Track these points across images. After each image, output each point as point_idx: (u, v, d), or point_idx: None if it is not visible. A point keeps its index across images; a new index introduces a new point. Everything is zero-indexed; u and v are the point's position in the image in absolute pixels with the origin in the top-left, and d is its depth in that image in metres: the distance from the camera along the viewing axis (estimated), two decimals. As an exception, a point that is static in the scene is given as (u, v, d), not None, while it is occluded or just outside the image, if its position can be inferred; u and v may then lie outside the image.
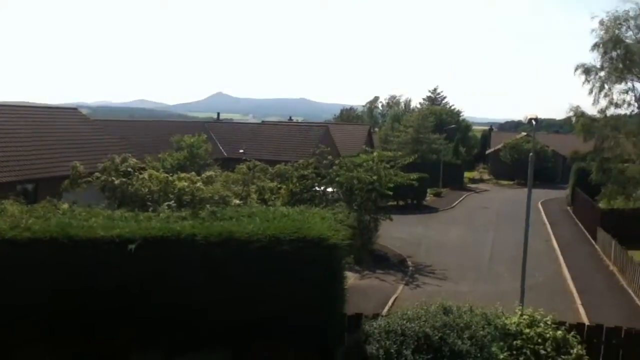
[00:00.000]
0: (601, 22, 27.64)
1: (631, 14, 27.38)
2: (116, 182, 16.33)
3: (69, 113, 33.53)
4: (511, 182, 59.19)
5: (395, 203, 35.27)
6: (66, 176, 18.62)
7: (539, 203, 42.21)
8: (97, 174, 17.03)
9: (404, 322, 8.69)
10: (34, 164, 24.88)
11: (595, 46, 27.93)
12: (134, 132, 38.53)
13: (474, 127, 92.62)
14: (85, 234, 8.33)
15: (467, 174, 59.85)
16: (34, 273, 8.18)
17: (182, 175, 17.13)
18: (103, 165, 17.49)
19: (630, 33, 27.54)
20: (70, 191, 17.45)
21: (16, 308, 8.18)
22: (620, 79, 27.98)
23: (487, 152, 72.32)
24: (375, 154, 25.46)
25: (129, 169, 17.17)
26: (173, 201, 14.96)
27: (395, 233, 26.53)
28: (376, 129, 79.83)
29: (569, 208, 41.40)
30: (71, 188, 17.57)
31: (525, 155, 48.48)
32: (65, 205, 10.37)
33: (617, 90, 28.45)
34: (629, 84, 28.38)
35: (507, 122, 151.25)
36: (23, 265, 8.17)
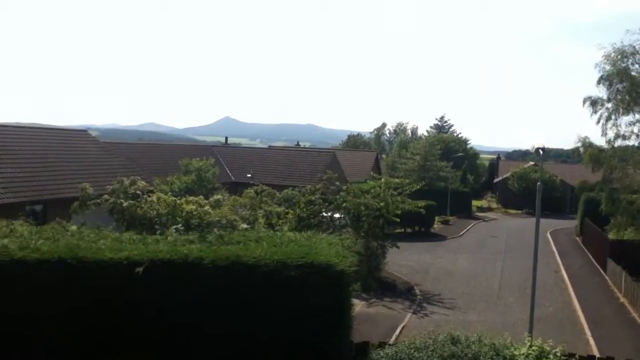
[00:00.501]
0: (607, 56, 27.81)
1: (637, 47, 27.54)
2: (125, 204, 16.40)
3: (78, 135, 33.87)
4: (519, 211, 58.83)
5: (402, 230, 35.13)
6: (75, 198, 18.71)
7: (548, 233, 41.89)
8: (105, 196, 17.11)
9: (412, 351, 8.58)
10: (43, 186, 25.04)
11: (602, 79, 28.11)
12: (143, 155, 38.80)
13: (482, 156, 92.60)
14: (94, 256, 8.35)
15: (475, 202, 59.60)
16: (42, 294, 8.17)
17: (190, 198, 17.17)
18: (112, 187, 17.58)
19: (636, 66, 27.69)
20: (79, 213, 17.51)
21: (24, 328, 8.16)
22: (627, 110, 28.02)
23: (495, 180, 72.12)
24: (382, 180, 25.46)
25: (138, 192, 17.24)
26: (181, 224, 14.96)
27: (403, 260, 26.35)
28: (383, 156, 79.99)
29: (578, 238, 41.04)
30: (80, 210, 17.64)
31: (534, 184, 48.37)
32: (74, 227, 10.40)
33: (625, 122, 28.46)
34: (636, 116, 28.42)
35: (514, 151, 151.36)
36: (32, 286, 8.17)
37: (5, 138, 27.11)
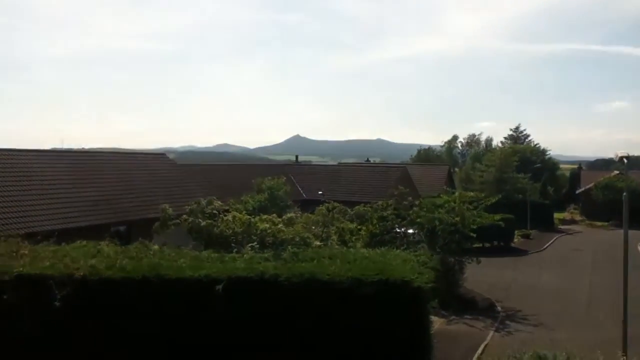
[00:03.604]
0: None
1: None
2: (202, 224, 16.92)
3: (157, 158, 35.44)
4: (606, 224, 55.55)
5: (480, 245, 34.01)
6: (156, 218, 19.50)
7: (638, 246, 39.24)
8: (184, 216, 17.73)
9: (496, 371, 8.21)
10: (127, 207, 26.32)
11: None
12: (218, 175, 40.01)
13: (562, 166, 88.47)
14: (175, 274, 8.62)
15: (557, 215, 56.89)
16: (127, 310, 8.51)
17: (264, 217, 17.49)
18: (190, 208, 18.20)
19: None
20: (160, 233, 18.21)
21: (110, 343, 8.52)
22: None
23: (578, 191, 68.58)
24: (456, 194, 24.84)
25: (214, 211, 17.76)
26: (256, 242, 15.24)
27: (483, 276, 25.47)
28: (456, 169, 78.23)
29: (672, 251, 38.14)
30: (161, 230, 18.35)
31: (620, 194, 45.51)
32: (156, 247, 10.80)
33: None
34: None
35: (597, 160, 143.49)
36: (117, 303, 8.54)
37: (91, 163, 28.83)
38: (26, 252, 9.50)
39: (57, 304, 8.16)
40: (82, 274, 8.58)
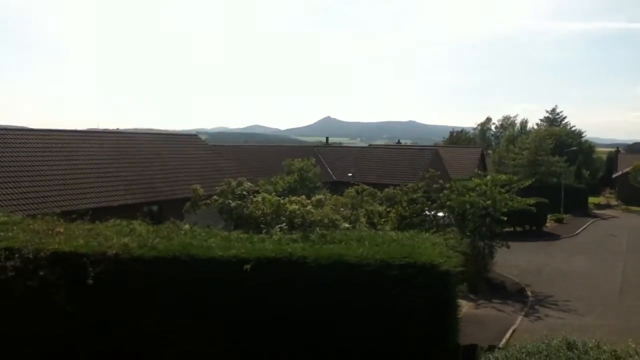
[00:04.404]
0: None
1: None
2: (232, 204, 17.05)
3: (189, 139, 35.90)
4: (642, 208, 54.09)
5: (512, 229, 33.52)
6: (187, 198, 19.75)
7: (677, 231, 38.13)
8: (215, 196, 17.91)
9: (524, 356, 8.12)
10: (159, 187, 26.80)
11: None
12: (248, 156, 40.33)
13: (598, 149, 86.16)
14: (205, 254, 8.77)
15: (591, 199, 55.60)
16: (158, 289, 8.72)
17: (293, 198, 17.51)
18: (220, 188, 18.36)
19: None
20: (191, 213, 18.46)
21: (141, 322, 8.75)
22: None
23: (614, 175, 66.80)
24: (488, 177, 24.45)
25: (244, 192, 17.87)
26: (285, 224, 15.30)
27: (513, 261, 25.15)
28: (489, 152, 76.89)
29: None
30: (192, 210, 18.57)
31: (659, 178, 44.20)
32: (187, 226, 10.97)
33: None
34: None
35: (635, 144, 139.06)
36: (148, 282, 8.74)
37: (125, 144, 29.36)
38: (62, 230, 9.77)
39: (90, 281, 8.40)
40: (114, 252, 8.80)
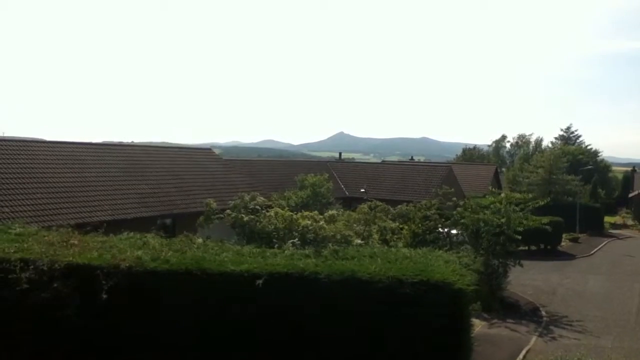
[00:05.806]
0: None
1: None
2: (245, 219, 17.12)
3: (203, 153, 36.08)
4: (660, 229, 53.26)
5: (526, 248, 33.17)
6: (201, 212, 19.86)
7: (695, 253, 37.44)
8: (228, 211, 17.98)
9: (538, 378, 8.00)
10: (173, 201, 26.92)
11: None
12: (261, 171, 40.43)
13: (614, 168, 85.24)
14: (217, 268, 8.78)
15: (607, 219, 54.87)
16: (170, 302, 8.72)
17: (306, 213, 17.53)
18: (233, 202, 18.44)
19: None
20: (204, 226, 18.54)
21: (152, 335, 8.75)
22: None
23: (630, 195, 65.94)
24: (503, 195, 24.27)
25: (257, 207, 17.94)
26: (297, 239, 15.31)
27: (527, 280, 24.84)
28: (503, 170, 76.44)
29: None
30: (205, 224, 18.66)
31: (677, 198, 43.46)
32: (200, 240, 11.00)
33: None
34: None
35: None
36: (161, 295, 8.75)
37: (139, 157, 29.62)
38: (76, 242, 9.83)
39: (104, 295, 8.41)
40: (127, 265, 8.83)
